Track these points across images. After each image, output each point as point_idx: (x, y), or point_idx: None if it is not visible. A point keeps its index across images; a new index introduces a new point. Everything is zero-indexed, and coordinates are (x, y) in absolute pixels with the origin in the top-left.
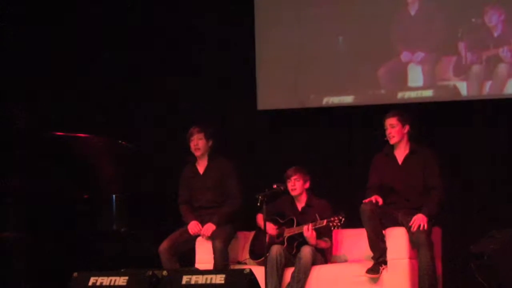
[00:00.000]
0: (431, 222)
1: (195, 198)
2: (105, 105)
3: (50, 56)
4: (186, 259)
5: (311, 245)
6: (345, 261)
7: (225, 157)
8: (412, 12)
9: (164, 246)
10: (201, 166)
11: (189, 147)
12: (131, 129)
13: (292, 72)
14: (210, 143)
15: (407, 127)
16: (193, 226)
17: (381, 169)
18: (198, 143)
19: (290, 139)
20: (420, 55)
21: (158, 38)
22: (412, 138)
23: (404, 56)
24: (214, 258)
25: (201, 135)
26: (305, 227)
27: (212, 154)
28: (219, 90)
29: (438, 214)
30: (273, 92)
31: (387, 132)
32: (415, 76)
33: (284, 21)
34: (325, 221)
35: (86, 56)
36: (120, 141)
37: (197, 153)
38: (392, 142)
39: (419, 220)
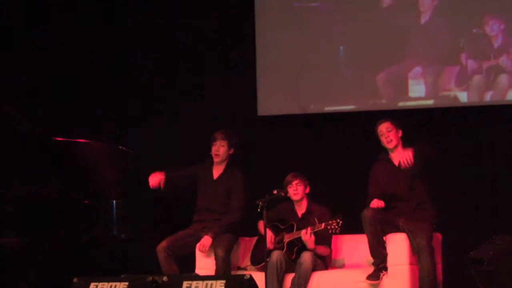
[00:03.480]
0: (432, 227)
1: (204, 199)
2: (105, 110)
3: (50, 59)
4: (186, 264)
5: (310, 249)
6: (344, 265)
7: (238, 167)
8: (422, 22)
9: (162, 245)
10: (216, 172)
11: (210, 149)
12: (131, 135)
13: (292, 78)
14: (232, 151)
15: (400, 132)
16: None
17: (380, 176)
18: (220, 149)
19: (290, 145)
20: (421, 65)
21: (158, 42)
22: (405, 143)
23: (405, 66)
24: (216, 266)
25: (224, 142)
26: (303, 231)
27: (230, 163)
28: (219, 95)
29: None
30: (274, 98)
31: (384, 137)
32: (416, 86)
33: (285, 27)
34: (323, 224)
35: (85, 59)
36: (120, 147)
37: (216, 159)
38: (390, 146)
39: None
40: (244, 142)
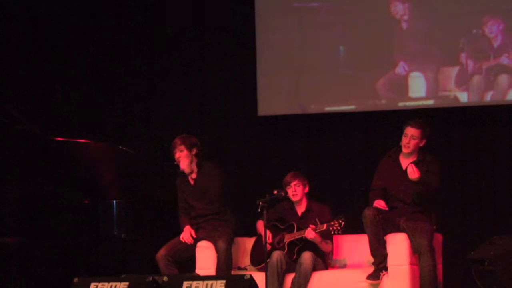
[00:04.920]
0: (433, 228)
1: (192, 207)
2: (105, 111)
3: (50, 59)
4: (187, 265)
5: (316, 244)
6: (345, 265)
7: (212, 161)
8: (404, 27)
9: (161, 253)
10: (191, 176)
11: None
12: (131, 135)
13: (293, 79)
14: (194, 151)
15: (423, 142)
16: (185, 232)
17: (385, 173)
18: (180, 155)
19: (290, 145)
20: (421, 66)
21: (158, 43)
22: (422, 148)
23: (405, 66)
24: (218, 258)
25: (182, 147)
26: (307, 231)
27: (200, 162)
28: (220, 96)
29: (424, 198)
30: (274, 98)
31: (406, 140)
32: (416, 86)
33: (285, 27)
34: (325, 225)
35: (85, 60)
36: (120, 147)
37: (181, 167)
38: (405, 151)
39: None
40: (244, 142)
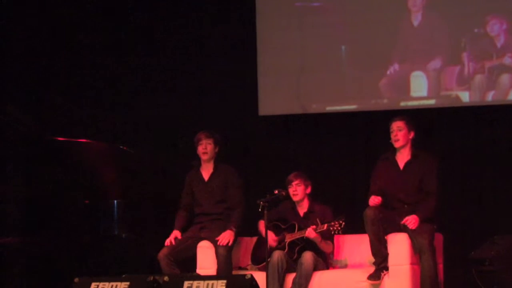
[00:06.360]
0: (434, 227)
1: (198, 204)
2: (106, 110)
3: (51, 59)
4: (188, 264)
5: (316, 244)
6: (346, 265)
7: (230, 164)
8: (415, 23)
9: (163, 252)
10: (206, 172)
11: (195, 151)
12: (132, 134)
13: (294, 78)
14: (217, 149)
15: (412, 134)
16: (172, 235)
17: (383, 174)
18: (207, 147)
19: (291, 145)
20: (422, 65)
21: (160, 42)
22: (415, 144)
23: (407, 66)
24: (218, 264)
25: (210, 140)
26: (308, 230)
27: (218, 161)
28: (221, 95)
29: (432, 218)
30: (275, 98)
31: (393, 134)
32: (418, 86)
33: (286, 26)
34: (325, 225)
35: (86, 59)
36: (121, 146)
37: (204, 157)
38: (397, 145)
39: (412, 220)
40: (245, 141)
